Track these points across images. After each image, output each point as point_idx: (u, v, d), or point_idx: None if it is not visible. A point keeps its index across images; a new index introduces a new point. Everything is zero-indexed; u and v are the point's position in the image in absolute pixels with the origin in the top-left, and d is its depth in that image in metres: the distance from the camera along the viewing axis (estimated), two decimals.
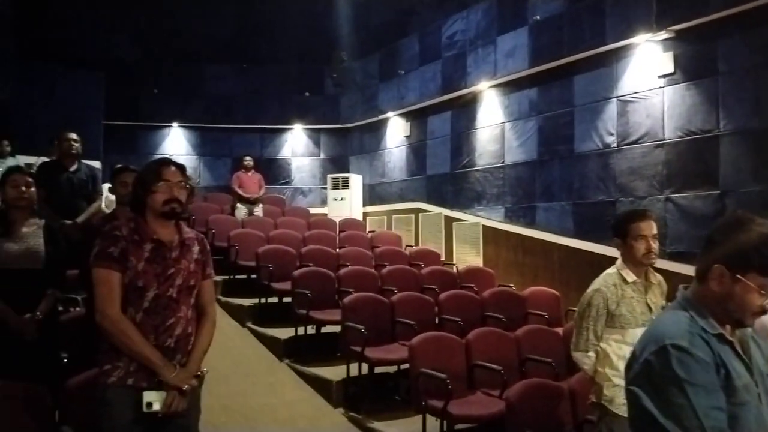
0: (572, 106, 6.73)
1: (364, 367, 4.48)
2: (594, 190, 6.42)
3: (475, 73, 7.97)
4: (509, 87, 7.59)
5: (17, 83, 8.84)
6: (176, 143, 11.05)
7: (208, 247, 2.50)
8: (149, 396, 2.15)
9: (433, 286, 5.69)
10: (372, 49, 10.36)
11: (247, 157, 8.81)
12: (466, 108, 8.23)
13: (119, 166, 3.54)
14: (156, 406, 2.15)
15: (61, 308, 3.51)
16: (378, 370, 4.52)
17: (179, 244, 2.33)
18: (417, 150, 9.28)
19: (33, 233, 3.03)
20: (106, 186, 5.37)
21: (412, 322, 4.59)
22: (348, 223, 8.79)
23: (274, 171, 10.91)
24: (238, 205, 8.43)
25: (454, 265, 7.58)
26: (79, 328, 3.29)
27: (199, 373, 2.29)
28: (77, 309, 3.93)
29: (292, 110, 11.07)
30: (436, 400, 3.59)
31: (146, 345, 2.17)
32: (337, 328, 5.19)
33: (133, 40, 10.81)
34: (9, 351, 2.85)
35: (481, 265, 7.40)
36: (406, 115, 9.51)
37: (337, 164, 11.02)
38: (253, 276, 6.32)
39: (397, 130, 9.75)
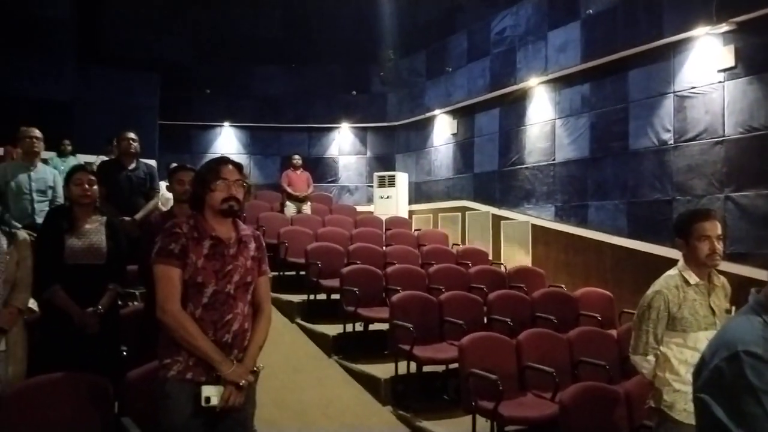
0: (627, 102, 6.55)
1: (413, 366, 4.48)
2: (649, 188, 6.23)
3: (525, 69, 7.85)
4: (560, 83, 7.44)
5: (77, 85, 9.21)
6: (227, 142, 11.30)
7: (264, 244, 2.54)
8: (207, 390, 2.20)
9: (482, 286, 5.63)
10: (419, 46, 10.34)
11: (296, 156, 8.93)
12: (515, 105, 8.11)
13: (176, 164, 3.64)
14: (214, 401, 2.19)
15: (120, 302, 3.63)
16: (426, 369, 4.51)
17: (237, 241, 2.38)
18: (464, 148, 9.21)
19: (95, 229, 3.14)
20: (162, 184, 5.54)
21: (460, 322, 4.56)
22: (394, 221, 8.80)
23: (321, 169, 11.03)
24: (287, 203, 8.55)
25: (501, 264, 7.49)
26: (137, 321, 3.41)
27: (255, 368, 2.33)
28: (135, 303, 4.06)
29: (339, 109, 11.16)
30: (486, 401, 3.55)
31: (205, 340, 2.22)
32: (384, 326, 5.21)
33: (187, 42, 11.12)
34: (72, 344, 2.95)
35: (529, 264, 7.28)
36: (454, 113, 9.45)
37: (383, 162, 11.05)
38: (302, 273, 6.40)
39: (443, 128, 9.70)
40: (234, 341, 2.30)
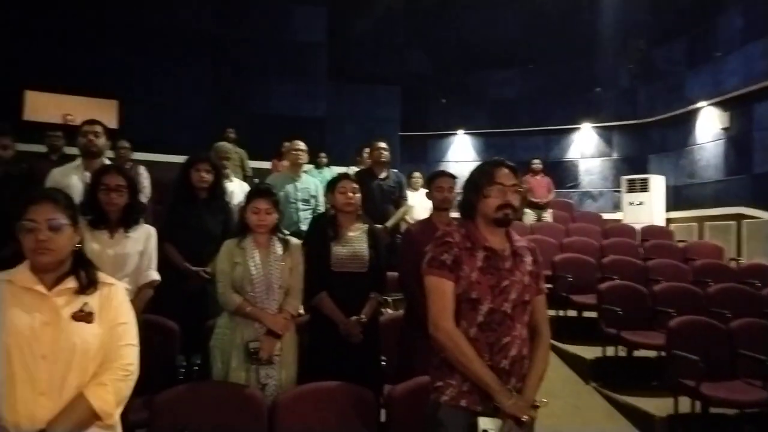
0: None
1: (697, 404, 3.73)
2: None
3: None
4: None
5: (330, 102, 10.01)
6: (461, 150, 11.30)
7: (541, 258, 2.21)
8: (485, 423, 1.93)
9: None
10: (676, 32, 9.11)
11: (536, 160, 8.47)
12: None
13: (436, 171, 3.51)
14: None
15: None
16: (713, 410, 3.73)
17: (512, 254, 2.09)
18: (739, 144, 7.82)
19: (358, 237, 3.12)
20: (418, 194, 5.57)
21: (762, 357, 3.67)
22: (651, 231, 7.78)
23: (560, 174, 10.37)
24: (526, 210, 8.12)
25: None
26: (395, 330, 3.34)
27: (536, 403, 2.00)
28: (389, 310, 4.03)
29: (580, 108, 10.40)
30: None
31: (482, 364, 1.96)
32: (651, 353, 4.53)
33: (425, 54, 11.41)
34: (337, 351, 2.95)
35: None
36: (724, 104, 8.10)
37: (633, 164, 9.96)
38: (549, 285, 5.91)
39: (710, 122, 8.37)
40: (512, 368, 2.01)
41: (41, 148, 6.06)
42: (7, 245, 3.02)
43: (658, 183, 9.00)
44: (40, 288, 1.73)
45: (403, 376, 2.77)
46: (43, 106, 8.50)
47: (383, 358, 3.20)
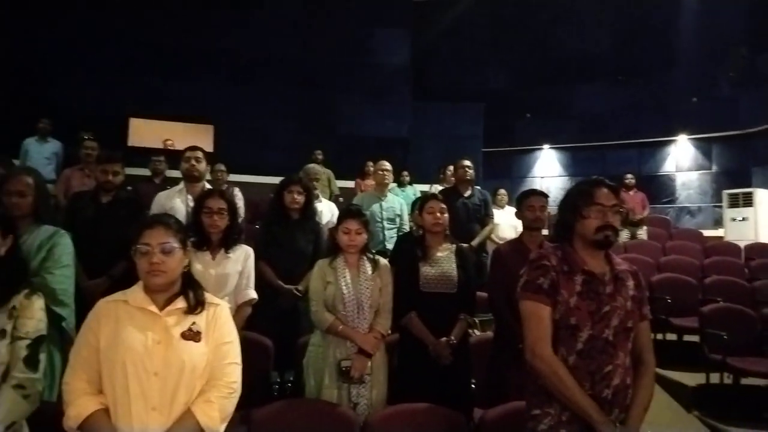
0: None
1: None
2: None
3: None
4: None
5: (413, 122, 10.11)
6: (547, 165, 11.04)
7: (644, 282, 2.11)
8: None
9: None
10: None
11: (629, 175, 8.13)
12: None
13: (527, 189, 3.44)
14: None
15: None
16: None
17: (612, 278, 2.00)
18: None
19: (446, 258, 3.11)
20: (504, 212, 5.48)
21: None
22: (757, 249, 7.22)
23: (654, 188, 9.87)
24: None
25: None
26: (485, 352, 3.28)
27: None
28: (476, 332, 3.97)
29: (675, 120, 9.89)
30: None
31: (582, 393, 1.89)
32: (761, 381, 4.20)
33: (508, 70, 11.28)
34: (426, 373, 2.93)
35: None
36: None
37: (734, 178, 9.34)
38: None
39: None
40: (615, 398, 1.92)
41: (144, 171, 6.49)
42: (118, 264, 3.28)
43: (763, 197, 8.36)
44: (153, 308, 1.84)
45: (493, 400, 2.71)
46: (146, 133, 9.12)
47: (473, 381, 3.15)
